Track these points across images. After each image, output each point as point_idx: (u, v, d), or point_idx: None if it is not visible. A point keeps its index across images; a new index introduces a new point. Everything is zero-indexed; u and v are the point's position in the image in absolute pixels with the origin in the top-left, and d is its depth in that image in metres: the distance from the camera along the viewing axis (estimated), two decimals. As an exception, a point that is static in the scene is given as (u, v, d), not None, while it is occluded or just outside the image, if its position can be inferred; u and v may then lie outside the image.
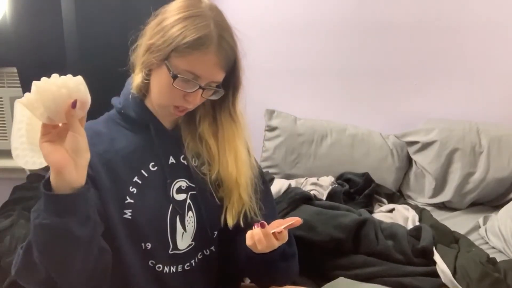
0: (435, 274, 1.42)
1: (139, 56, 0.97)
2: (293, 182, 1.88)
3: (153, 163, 1.01)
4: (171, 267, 1.03)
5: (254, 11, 2.05)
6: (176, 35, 0.90)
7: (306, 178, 1.94)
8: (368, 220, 1.53)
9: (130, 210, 0.98)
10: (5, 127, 2.05)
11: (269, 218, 1.07)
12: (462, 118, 2.07)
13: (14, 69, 1.97)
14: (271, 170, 2.02)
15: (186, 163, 1.02)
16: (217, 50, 0.91)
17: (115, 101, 1.05)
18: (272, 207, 1.16)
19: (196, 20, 0.91)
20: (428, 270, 1.44)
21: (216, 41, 0.91)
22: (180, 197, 1.02)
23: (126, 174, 0.99)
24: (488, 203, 2.02)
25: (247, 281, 1.40)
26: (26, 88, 1.95)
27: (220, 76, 0.95)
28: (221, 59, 0.93)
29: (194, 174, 1.02)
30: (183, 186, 1.02)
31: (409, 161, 2.11)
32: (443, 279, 1.40)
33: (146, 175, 1.00)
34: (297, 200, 1.57)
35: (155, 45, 0.93)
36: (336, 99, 2.17)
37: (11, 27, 1.87)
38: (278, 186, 1.63)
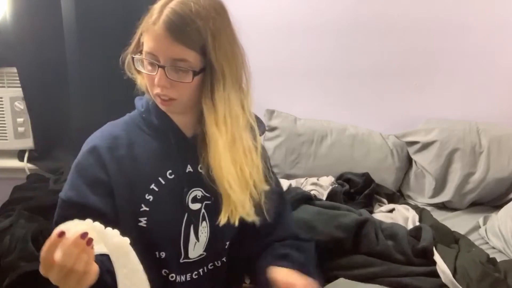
0: (435, 274, 1.42)
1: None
2: (293, 182, 1.88)
3: (170, 171, 0.99)
4: (181, 276, 1.02)
5: (254, 11, 2.05)
6: (143, 22, 0.92)
7: (306, 178, 1.94)
8: (368, 220, 1.53)
9: (145, 218, 0.97)
10: (5, 127, 2.05)
11: (274, 228, 1.08)
12: (462, 118, 2.07)
13: (14, 69, 1.96)
14: (271, 170, 2.02)
15: (203, 172, 0.98)
16: (165, 22, 0.87)
17: (138, 103, 1.04)
18: (279, 215, 1.11)
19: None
20: (428, 270, 1.44)
21: (163, 12, 0.88)
22: (195, 206, 1.00)
23: (143, 181, 0.97)
24: (488, 203, 2.02)
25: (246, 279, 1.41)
26: (26, 88, 1.96)
27: (177, 51, 0.88)
28: (172, 31, 0.87)
29: (208, 183, 0.97)
30: (199, 196, 1.00)
31: (409, 161, 2.11)
32: (443, 279, 1.40)
33: (163, 182, 0.98)
34: (297, 200, 1.57)
35: (134, 39, 0.95)
36: (336, 99, 2.17)
37: (11, 27, 1.87)
38: (278, 186, 1.63)
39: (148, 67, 0.92)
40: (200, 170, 0.99)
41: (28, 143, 2.07)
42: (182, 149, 0.99)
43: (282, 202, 1.13)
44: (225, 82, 0.93)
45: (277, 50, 2.10)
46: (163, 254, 1.00)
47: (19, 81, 1.96)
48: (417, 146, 2.04)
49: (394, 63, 2.10)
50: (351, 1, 2.03)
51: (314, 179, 1.92)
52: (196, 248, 1.02)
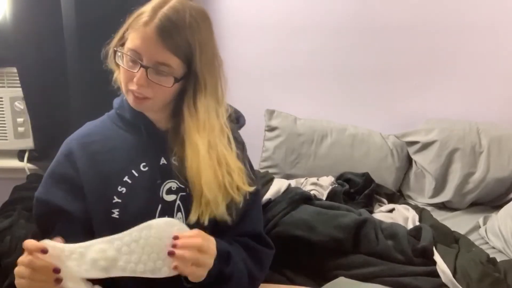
0: (435, 274, 1.42)
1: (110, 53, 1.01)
2: (293, 182, 1.88)
3: (144, 164, 1.02)
4: None
5: (254, 11, 2.05)
6: (131, 19, 0.96)
7: (306, 178, 1.94)
8: (368, 220, 1.53)
9: (118, 210, 1.00)
10: (5, 127, 2.05)
11: (241, 229, 1.08)
12: (462, 118, 2.07)
13: (14, 69, 1.97)
14: (271, 170, 2.02)
15: (176, 164, 1.02)
16: (157, 26, 0.91)
17: (115, 101, 1.08)
18: (246, 212, 1.10)
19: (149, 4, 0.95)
20: (428, 270, 1.44)
21: (156, 16, 0.91)
22: (170, 198, 1.02)
23: (116, 173, 1.01)
24: (488, 203, 2.02)
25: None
26: (26, 88, 1.96)
27: (163, 56, 0.92)
28: (163, 36, 0.91)
29: (182, 175, 1.02)
30: (174, 187, 1.03)
31: (409, 161, 2.11)
32: (443, 279, 1.40)
33: (136, 175, 1.01)
34: (297, 200, 1.57)
35: (118, 33, 0.99)
36: (336, 99, 2.17)
37: (11, 27, 1.87)
38: (277, 186, 1.63)
39: (129, 63, 0.94)
40: (174, 162, 1.03)
41: (28, 143, 2.07)
42: (155, 142, 1.02)
43: (253, 199, 1.11)
44: (206, 92, 0.98)
45: (277, 50, 2.10)
46: None
47: (19, 81, 1.96)
48: (417, 146, 2.04)
49: (394, 63, 2.10)
50: (351, 1, 2.03)
51: (314, 179, 1.92)
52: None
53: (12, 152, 2.12)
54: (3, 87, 2.02)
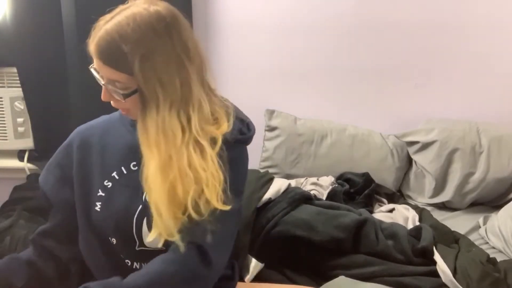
0: (435, 274, 1.42)
1: None
2: (293, 182, 1.88)
3: (134, 163, 1.02)
4: (142, 263, 1.05)
5: (254, 11, 2.05)
6: None
7: (306, 178, 1.94)
8: (368, 220, 1.53)
9: (100, 203, 1.03)
10: (5, 127, 2.05)
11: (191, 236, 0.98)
12: (462, 118, 2.07)
13: (14, 69, 1.97)
14: (271, 170, 2.02)
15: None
16: (96, 44, 0.91)
17: None
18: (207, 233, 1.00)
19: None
20: (428, 270, 1.44)
21: (99, 33, 0.91)
22: None
23: (106, 168, 1.04)
24: (488, 203, 2.01)
25: (246, 278, 1.41)
26: (26, 88, 1.96)
27: (108, 73, 0.92)
28: (101, 55, 0.91)
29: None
30: None
31: (409, 161, 2.11)
32: (443, 279, 1.40)
33: (125, 172, 1.03)
34: (297, 200, 1.57)
35: None
36: (336, 99, 2.17)
37: (11, 27, 1.87)
38: (277, 185, 1.63)
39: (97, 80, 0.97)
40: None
41: (28, 143, 2.07)
42: None
43: (222, 219, 0.99)
44: (159, 105, 0.92)
45: (277, 50, 2.10)
46: (113, 240, 1.04)
47: (19, 81, 1.96)
48: (417, 146, 2.04)
49: (394, 63, 2.10)
50: (351, 1, 2.03)
51: (314, 179, 1.92)
52: (151, 238, 1.00)
53: (12, 152, 2.12)
54: (3, 87, 2.02)
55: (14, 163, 2.11)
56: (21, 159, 2.10)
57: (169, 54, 0.92)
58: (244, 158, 1.10)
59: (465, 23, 2.02)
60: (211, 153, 0.95)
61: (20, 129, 2.06)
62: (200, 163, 0.94)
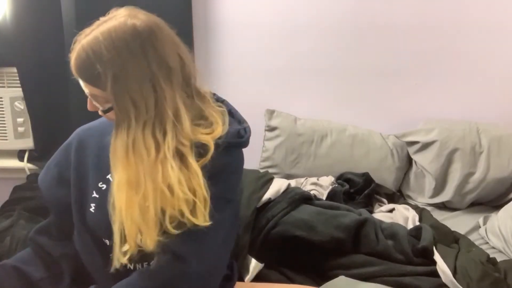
0: (435, 274, 1.42)
1: None
2: (293, 182, 1.88)
3: None
4: (136, 264, 1.05)
5: (254, 11, 2.05)
6: None
7: (306, 178, 1.94)
8: (368, 220, 1.53)
9: (94, 205, 1.04)
10: (5, 127, 2.05)
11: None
12: (462, 118, 2.07)
13: (14, 69, 1.97)
14: (271, 170, 2.02)
15: None
16: (74, 59, 0.92)
17: None
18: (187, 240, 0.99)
19: None
20: (428, 270, 1.44)
21: (77, 47, 0.91)
22: None
23: (101, 170, 1.05)
24: (488, 203, 2.01)
25: (246, 278, 1.41)
26: (26, 88, 1.96)
27: (86, 87, 0.94)
28: (77, 71, 0.92)
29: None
30: None
31: (409, 161, 2.11)
32: (443, 279, 1.40)
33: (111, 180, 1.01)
34: (297, 199, 1.57)
35: None
36: (336, 99, 2.17)
37: (11, 27, 1.87)
38: (277, 185, 1.63)
39: None
40: None
41: (28, 143, 2.08)
42: None
43: (208, 232, 0.98)
44: (130, 125, 0.91)
45: (277, 50, 2.10)
46: (107, 242, 1.04)
47: (19, 81, 1.96)
48: (417, 146, 2.04)
49: (394, 63, 2.09)
50: (351, 1, 2.03)
51: (314, 179, 1.92)
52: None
53: (12, 152, 2.12)
54: (3, 87, 2.02)
55: (14, 163, 2.11)
56: (21, 159, 2.10)
57: (143, 74, 0.90)
58: (239, 162, 1.08)
59: (465, 24, 2.02)
60: (196, 167, 0.94)
61: (20, 129, 2.06)
62: (179, 180, 0.92)
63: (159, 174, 0.91)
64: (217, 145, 0.97)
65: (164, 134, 0.93)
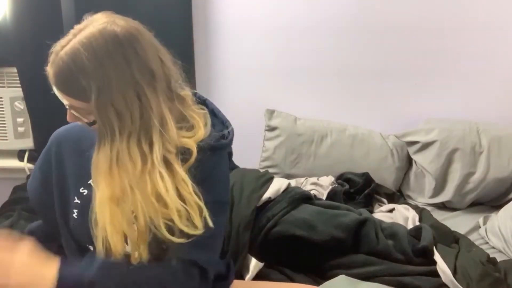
0: (435, 274, 1.42)
1: None
2: (293, 182, 1.88)
3: None
4: None
5: (254, 11, 2.05)
6: None
7: (306, 178, 1.94)
8: (369, 220, 1.53)
9: (77, 210, 1.02)
10: (5, 127, 2.05)
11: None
12: (462, 118, 2.07)
13: (14, 69, 1.97)
14: (271, 170, 2.02)
15: None
16: (52, 72, 0.89)
17: None
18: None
19: None
20: (429, 269, 1.44)
21: (54, 62, 0.88)
22: None
23: (81, 175, 1.02)
24: (488, 203, 2.01)
25: (246, 277, 1.41)
26: (26, 88, 1.96)
27: (66, 99, 0.91)
28: (57, 83, 0.90)
29: None
30: None
31: (409, 161, 2.11)
32: (444, 279, 1.40)
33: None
34: (297, 199, 1.57)
35: None
36: (336, 99, 2.17)
37: (11, 27, 1.87)
38: (277, 185, 1.63)
39: None
40: None
41: (28, 143, 2.07)
42: None
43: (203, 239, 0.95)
44: (114, 138, 0.88)
45: (277, 50, 2.10)
46: (91, 248, 1.01)
47: (19, 81, 1.96)
48: (417, 146, 2.04)
49: (394, 63, 2.10)
50: (351, 2, 2.03)
51: (314, 179, 1.92)
52: (131, 246, 0.97)
53: (12, 152, 2.12)
54: (3, 87, 2.02)
55: (14, 163, 2.11)
56: (21, 159, 2.10)
57: (127, 83, 0.87)
58: (223, 165, 1.05)
59: (465, 24, 2.02)
60: (183, 174, 0.91)
61: (20, 129, 2.06)
62: (168, 189, 0.89)
63: (147, 185, 0.88)
64: (200, 148, 0.94)
65: (151, 144, 0.89)
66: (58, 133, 1.11)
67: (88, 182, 1.01)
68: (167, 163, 0.91)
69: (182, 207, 0.90)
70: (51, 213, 1.09)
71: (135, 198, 0.88)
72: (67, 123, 1.11)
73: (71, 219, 1.04)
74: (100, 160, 0.89)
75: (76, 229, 1.04)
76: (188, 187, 0.91)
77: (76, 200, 1.03)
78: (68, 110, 0.94)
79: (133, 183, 0.88)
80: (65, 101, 0.92)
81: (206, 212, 0.92)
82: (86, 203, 0.98)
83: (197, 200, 0.91)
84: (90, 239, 0.98)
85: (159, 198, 0.89)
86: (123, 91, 0.87)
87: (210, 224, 0.92)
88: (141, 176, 0.88)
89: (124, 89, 0.87)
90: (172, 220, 0.89)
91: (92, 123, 0.91)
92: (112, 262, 0.91)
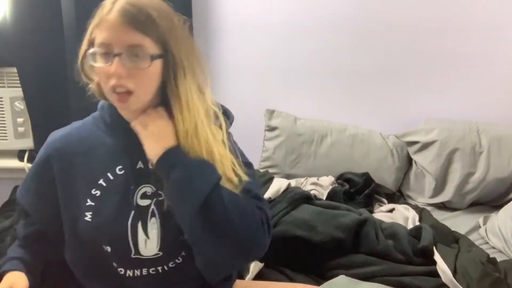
0: (435, 274, 1.42)
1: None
2: (293, 182, 1.88)
3: (120, 167, 1.00)
4: (134, 271, 1.01)
5: (254, 11, 2.05)
6: (93, 20, 0.96)
7: (306, 178, 1.94)
8: (369, 220, 1.53)
9: (91, 213, 0.99)
10: (5, 127, 2.05)
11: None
12: (462, 118, 2.07)
13: (14, 69, 1.97)
14: (271, 170, 2.02)
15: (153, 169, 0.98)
16: (119, 10, 0.90)
17: (99, 103, 1.07)
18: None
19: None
20: (429, 270, 1.44)
21: (117, 3, 0.91)
22: (145, 202, 1.00)
23: (92, 176, 1.00)
24: (488, 203, 2.02)
25: (246, 277, 1.41)
26: (26, 88, 1.96)
27: (133, 37, 0.90)
28: (127, 17, 0.89)
29: (145, 166, 0.99)
30: (149, 192, 1.00)
31: (409, 161, 2.11)
32: (444, 279, 1.40)
33: (111, 178, 0.99)
34: (297, 199, 1.57)
35: (84, 40, 0.98)
36: (336, 99, 2.17)
37: (11, 27, 1.87)
38: (277, 185, 1.63)
39: (102, 60, 0.92)
40: (151, 167, 0.99)
41: (28, 143, 2.07)
42: (134, 145, 0.98)
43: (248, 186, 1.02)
44: (185, 72, 0.95)
45: (277, 50, 2.10)
46: (108, 249, 1.00)
47: (19, 81, 1.96)
48: (417, 146, 2.04)
49: (394, 63, 2.10)
50: (351, 2, 2.03)
51: (314, 179, 1.92)
52: (148, 245, 1.00)
53: (12, 152, 2.12)
54: (3, 87, 2.02)
55: (14, 163, 2.11)
56: (21, 159, 2.10)
57: (185, 31, 0.98)
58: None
59: (465, 24, 2.02)
60: (224, 132, 1.00)
61: (20, 129, 2.06)
62: (215, 140, 0.97)
63: (208, 129, 0.96)
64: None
65: (201, 92, 0.99)
66: (56, 139, 1.06)
67: (99, 182, 0.99)
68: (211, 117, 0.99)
69: (225, 157, 0.97)
70: (44, 220, 1.05)
71: (201, 137, 0.95)
72: (67, 123, 1.10)
73: (81, 224, 1.00)
74: (180, 90, 0.95)
75: (90, 232, 1.00)
76: (227, 146, 1.00)
77: (89, 203, 0.99)
78: (115, 60, 0.90)
79: (199, 122, 0.95)
80: (129, 39, 0.90)
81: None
82: (101, 203, 0.98)
83: (230, 155, 0.99)
84: (108, 240, 0.98)
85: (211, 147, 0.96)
86: (186, 37, 0.98)
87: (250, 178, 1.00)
88: (203, 120, 0.96)
89: (185, 35, 0.98)
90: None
91: (155, 58, 0.92)
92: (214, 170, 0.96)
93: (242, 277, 1.42)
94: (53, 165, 1.02)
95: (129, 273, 1.02)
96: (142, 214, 0.99)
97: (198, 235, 0.93)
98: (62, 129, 1.08)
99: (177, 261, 1.03)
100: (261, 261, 1.44)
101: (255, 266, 1.43)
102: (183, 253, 1.02)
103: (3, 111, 2.04)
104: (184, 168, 0.92)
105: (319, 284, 1.36)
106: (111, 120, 1.02)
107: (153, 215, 1.00)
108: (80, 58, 0.99)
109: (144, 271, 1.02)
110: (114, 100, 0.95)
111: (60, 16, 1.85)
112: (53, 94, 1.96)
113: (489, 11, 2.00)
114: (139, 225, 0.99)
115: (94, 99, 1.04)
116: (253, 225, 0.97)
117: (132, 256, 1.00)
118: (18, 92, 1.99)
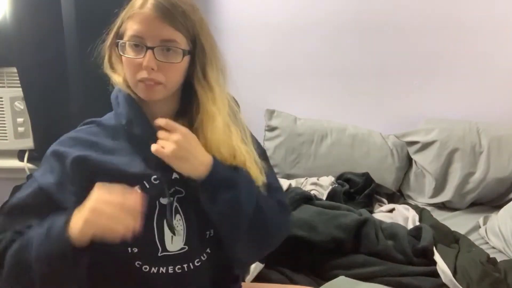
0: (435, 274, 1.42)
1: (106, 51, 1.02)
2: (293, 182, 1.88)
3: (155, 177, 0.98)
4: (161, 268, 1.01)
5: (254, 11, 2.05)
6: (124, 12, 0.97)
7: (306, 178, 1.94)
8: (369, 220, 1.53)
9: None
10: (5, 127, 2.05)
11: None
12: (462, 118, 2.07)
13: (14, 69, 1.97)
14: (271, 170, 2.02)
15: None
16: (153, 4, 0.91)
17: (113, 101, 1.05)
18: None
19: None
20: (429, 270, 1.44)
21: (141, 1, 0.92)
22: (166, 201, 0.99)
23: (125, 183, 0.95)
24: (488, 203, 2.02)
25: (246, 278, 1.41)
26: (26, 88, 1.96)
27: (166, 32, 0.91)
28: (161, 12, 0.91)
29: (180, 177, 0.97)
30: (171, 190, 0.99)
31: (409, 161, 2.11)
32: (444, 279, 1.40)
33: (147, 186, 0.97)
34: (297, 200, 1.57)
35: (112, 31, 0.98)
36: (336, 99, 2.17)
37: (11, 27, 1.87)
38: (278, 186, 1.63)
39: (133, 52, 0.93)
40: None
41: (28, 143, 2.07)
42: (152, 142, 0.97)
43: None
44: (213, 66, 0.99)
45: (278, 50, 2.10)
46: (135, 250, 0.99)
47: (19, 81, 1.96)
48: (417, 146, 2.04)
49: (394, 63, 2.10)
50: (351, 1, 2.03)
51: (314, 179, 1.92)
52: (174, 241, 1.00)
53: (12, 152, 2.12)
54: (3, 87, 2.02)
55: (14, 163, 2.11)
56: (21, 159, 2.10)
57: (209, 28, 1.00)
58: None
59: (465, 24, 2.02)
60: (244, 125, 1.05)
61: (20, 129, 2.06)
62: (236, 134, 1.01)
63: (231, 123, 1.01)
64: None
65: (225, 86, 1.04)
66: (63, 145, 1.03)
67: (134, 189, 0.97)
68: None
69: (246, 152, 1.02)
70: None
71: (233, 129, 1.00)
72: (67, 123, 1.09)
73: None
74: (212, 83, 0.98)
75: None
76: (250, 144, 1.05)
77: None
78: (148, 54, 0.91)
79: (214, 105, 0.98)
80: (162, 33, 0.92)
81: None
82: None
83: (250, 150, 1.04)
84: (135, 241, 0.93)
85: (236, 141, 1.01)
86: (211, 34, 1.00)
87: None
88: (218, 102, 0.99)
89: (210, 32, 1.00)
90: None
91: (186, 53, 0.94)
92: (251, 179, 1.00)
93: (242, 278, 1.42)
94: (68, 170, 0.98)
95: (154, 270, 1.01)
96: (166, 212, 0.99)
97: (236, 239, 1.00)
98: (64, 136, 1.10)
99: (202, 258, 1.03)
100: (261, 261, 1.44)
101: (255, 267, 1.42)
102: (208, 250, 1.03)
103: (3, 111, 2.03)
104: (229, 188, 0.96)
105: (319, 284, 1.36)
106: (127, 114, 0.99)
107: (177, 211, 1.00)
108: (107, 48, 1.00)
109: (170, 269, 1.01)
110: (141, 89, 0.95)
111: (60, 16, 1.85)
112: (53, 94, 1.96)
113: (489, 12, 2.01)
114: (164, 223, 0.99)
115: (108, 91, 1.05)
116: (282, 220, 1.07)
117: (159, 254, 0.99)
118: (18, 92, 1.99)
